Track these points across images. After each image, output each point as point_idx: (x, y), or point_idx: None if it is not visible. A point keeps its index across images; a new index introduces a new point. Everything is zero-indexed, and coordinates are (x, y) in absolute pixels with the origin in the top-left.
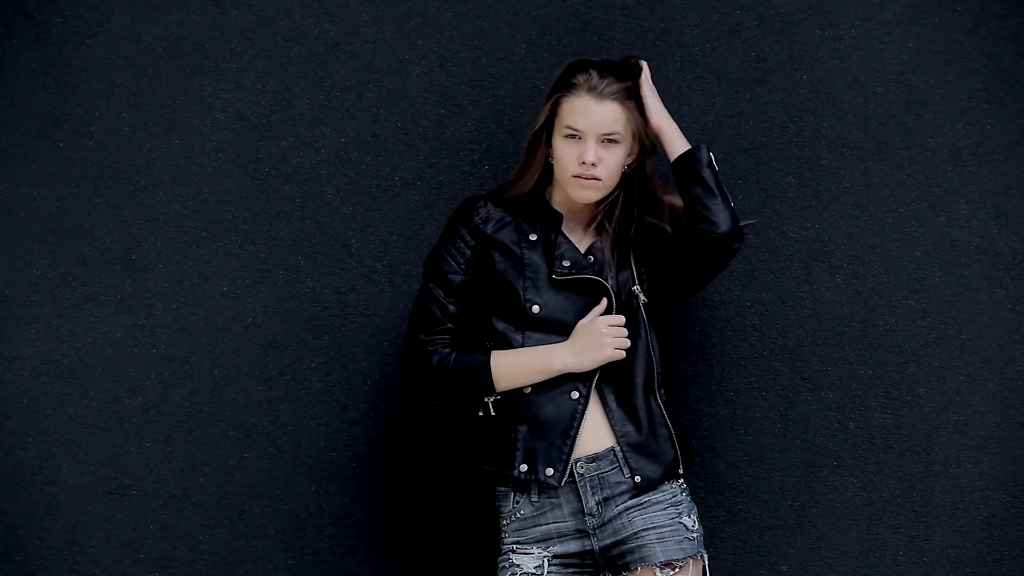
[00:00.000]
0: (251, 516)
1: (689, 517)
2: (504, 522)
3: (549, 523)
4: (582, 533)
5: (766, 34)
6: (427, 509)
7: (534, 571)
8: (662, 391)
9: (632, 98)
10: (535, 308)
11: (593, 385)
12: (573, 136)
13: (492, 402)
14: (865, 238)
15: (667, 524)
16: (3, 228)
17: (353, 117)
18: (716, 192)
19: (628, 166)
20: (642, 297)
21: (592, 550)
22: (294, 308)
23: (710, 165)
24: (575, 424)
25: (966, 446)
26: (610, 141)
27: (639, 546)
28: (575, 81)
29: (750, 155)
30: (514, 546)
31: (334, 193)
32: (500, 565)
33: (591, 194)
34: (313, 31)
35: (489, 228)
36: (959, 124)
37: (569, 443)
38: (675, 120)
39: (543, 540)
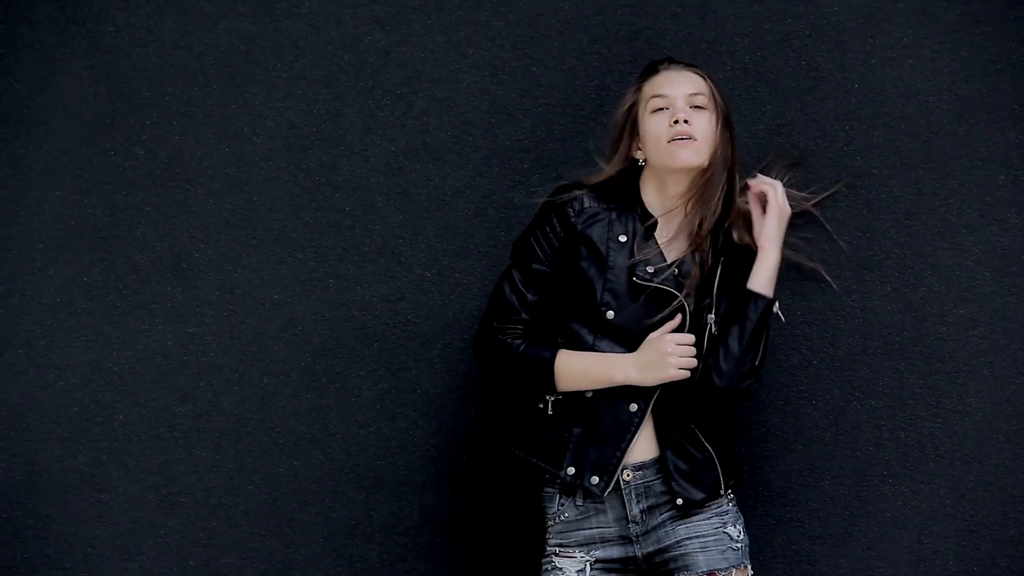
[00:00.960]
0: (300, 524)
1: (734, 527)
2: (549, 523)
3: (593, 528)
4: (625, 539)
5: (817, 43)
6: (474, 517)
7: (576, 575)
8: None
9: (712, 79)
10: (610, 314)
11: (652, 401)
12: (661, 109)
13: (552, 401)
14: (916, 247)
15: (711, 533)
16: (55, 236)
17: (403, 126)
18: (742, 342)
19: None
20: (712, 328)
21: (635, 556)
22: (344, 316)
23: (763, 318)
24: (628, 437)
25: (1017, 456)
26: (697, 107)
27: (682, 555)
28: (656, 68)
29: (800, 164)
30: (557, 549)
31: (384, 201)
32: (543, 567)
33: (688, 155)
34: (364, 40)
35: (580, 222)
36: (1011, 133)
37: (619, 454)
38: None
39: (586, 544)
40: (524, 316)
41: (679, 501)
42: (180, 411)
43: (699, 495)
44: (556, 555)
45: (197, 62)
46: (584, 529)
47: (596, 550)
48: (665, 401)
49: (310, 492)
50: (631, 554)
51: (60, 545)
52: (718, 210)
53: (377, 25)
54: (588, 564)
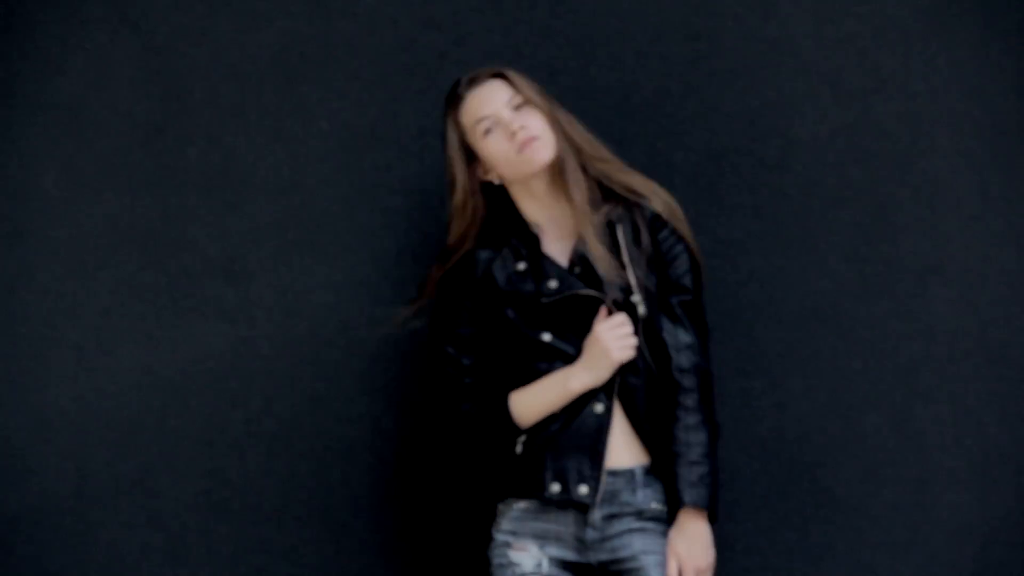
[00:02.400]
0: (353, 530)
1: None
2: (501, 506)
3: (549, 523)
4: (580, 543)
5: (880, 43)
6: None
7: (533, 570)
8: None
9: (509, 77)
10: (545, 337)
11: (615, 394)
12: (490, 130)
13: (523, 441)
14: (981, 250)
15: (662, 551)
16: (106, 238)
17: None
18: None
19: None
20: (640, 309)
21: (589, 563)
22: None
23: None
24: (603, 439)
25: None
26: (518, 108)
27: (636, 568)
28: (458, 95)
29: (863, 166)
30: (510, 539)
31: (439, 204)
32: (495, 560)
33: (542, 152)
34: (419, 40)
35: (479, 273)
36: None
37: (599, 459)
38: (785, 133)
39: (540, 537)
40: (468, 382)
41: (642, 511)
42: (231, 416)
43: (662, 508)
44: (510, 547)
45: (250, 63)
46: (540, 522)
47: (550, 547)
48: (630, 401)
49: (363, 498)
50: (585, 560)
51: (110, 551)
52: (582, 180)
53: (433, 26)
54: (544, 559)
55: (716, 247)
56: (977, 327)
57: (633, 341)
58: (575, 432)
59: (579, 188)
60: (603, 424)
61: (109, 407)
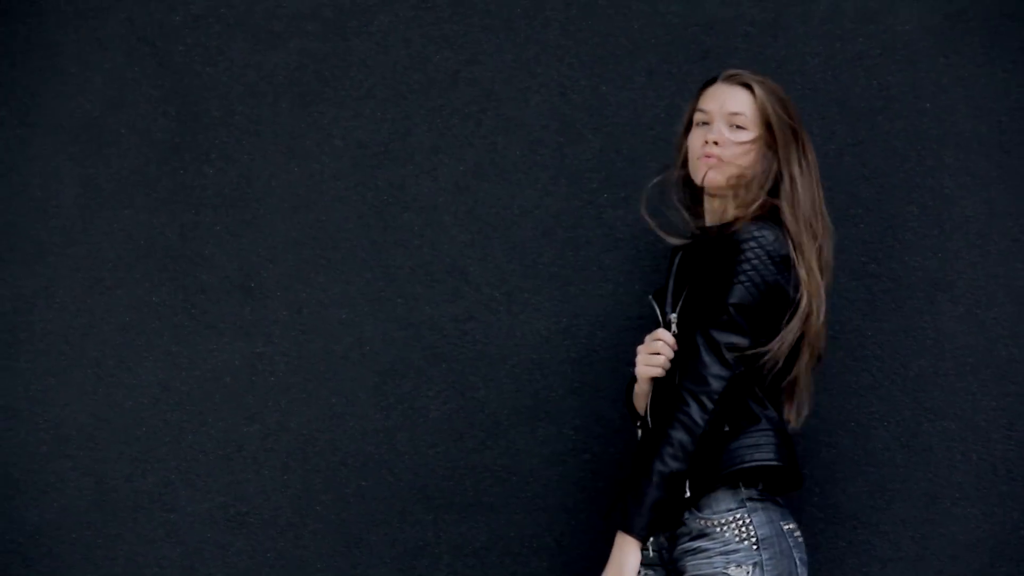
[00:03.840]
0: (368, 545)
1: (740, 567)
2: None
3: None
4: (654, 565)
5: (888, 62)
6: (543, 538)
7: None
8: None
9: (764, 94)
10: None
11: (646, 415)
12: (703, 123)
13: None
14: (989, 267)
15: (711, 573)
16: (124, 256)
17: (472, 145)
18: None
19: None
20: (673, 328)
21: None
22: (412, 336)
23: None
24: (633, 462)
25: None
26: (738, 127)
27: None
28: (713, 78)
29: (872, 184)
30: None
31: (452, 221)
32: None
33: (711, 174)
34: (432, 59)
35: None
36: None
37: (625, 479)
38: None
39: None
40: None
41: (692, 530)
42: (248, 431)
43: (713, 521)
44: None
45: (266, 81)
46: None
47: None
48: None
49: (378, 513)
50: None
51: (128, 564)
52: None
53: (446, 44)
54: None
55: None
56: (985, 343)
57: (657, 360)
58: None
59: (728, 210)
60: (636, 448)
61: (127, 422)
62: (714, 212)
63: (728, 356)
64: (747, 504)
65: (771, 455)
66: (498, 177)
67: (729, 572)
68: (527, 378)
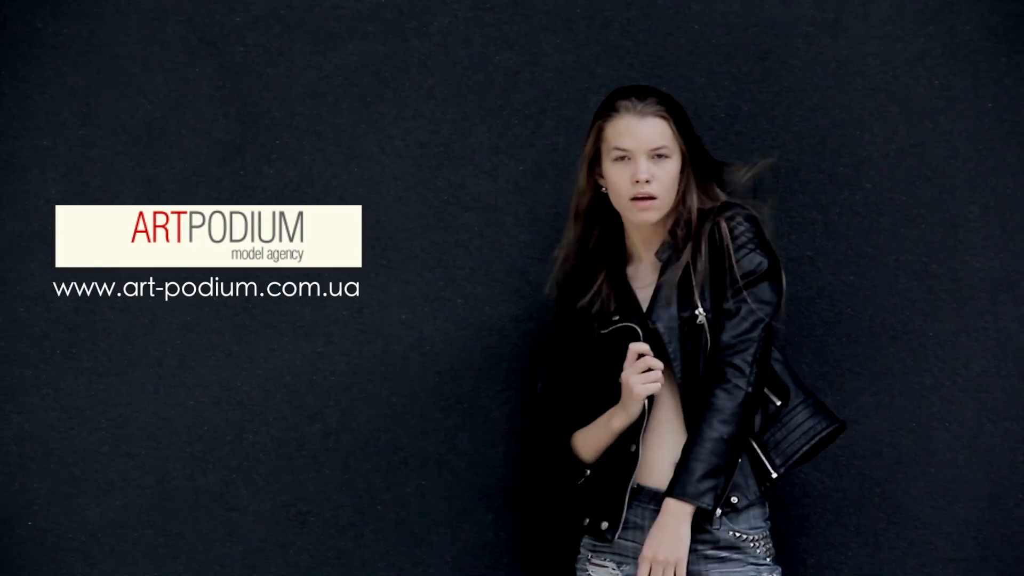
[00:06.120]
0: (429, 544)
1: None
2: (586, 521)
3: (628, 540)
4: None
5: (950, 61)
6: None
7: None
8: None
9: (673, 116)
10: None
11: (642, 432)
12: (622, 158)
13: (586, 476)
14: None
15: None
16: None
17: (532, 145)
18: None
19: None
20: (700, 319)
21: None
22: (472, 336)
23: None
24: (630, 478)
25: None
26: (659, 156)
27: None
28: (615, 105)
29: (933, 184)
30: (591, 555)
31: (512, 221)
32: (577, 571)
33: (649, 215)
34: (492, 59)
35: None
36: None
37: (623, 497)
38: (855, 151)
39: (619, 555)
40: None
41: (719, 540)
42: (309, 430)
43: (743, 536)
44: (590, 561)
45: (326, 82)
46: (620, 539)
47: (627, 566)
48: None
49: (439, 512)
50: None
51: (191, 563)
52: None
53: (506, 45)
54: None
55: (787, 264)
56: None
57: (654, 376)
58: (612, 470)
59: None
60: (633, 464)
61: (189, 422)
62: (651, 233)
63: (761, 314)
64: (767, 522)
65: (832, 419)
66: (558, 177)
67: None
68: None
